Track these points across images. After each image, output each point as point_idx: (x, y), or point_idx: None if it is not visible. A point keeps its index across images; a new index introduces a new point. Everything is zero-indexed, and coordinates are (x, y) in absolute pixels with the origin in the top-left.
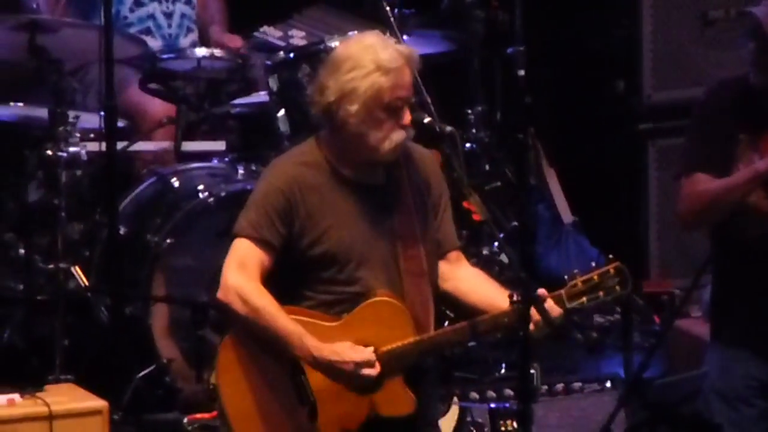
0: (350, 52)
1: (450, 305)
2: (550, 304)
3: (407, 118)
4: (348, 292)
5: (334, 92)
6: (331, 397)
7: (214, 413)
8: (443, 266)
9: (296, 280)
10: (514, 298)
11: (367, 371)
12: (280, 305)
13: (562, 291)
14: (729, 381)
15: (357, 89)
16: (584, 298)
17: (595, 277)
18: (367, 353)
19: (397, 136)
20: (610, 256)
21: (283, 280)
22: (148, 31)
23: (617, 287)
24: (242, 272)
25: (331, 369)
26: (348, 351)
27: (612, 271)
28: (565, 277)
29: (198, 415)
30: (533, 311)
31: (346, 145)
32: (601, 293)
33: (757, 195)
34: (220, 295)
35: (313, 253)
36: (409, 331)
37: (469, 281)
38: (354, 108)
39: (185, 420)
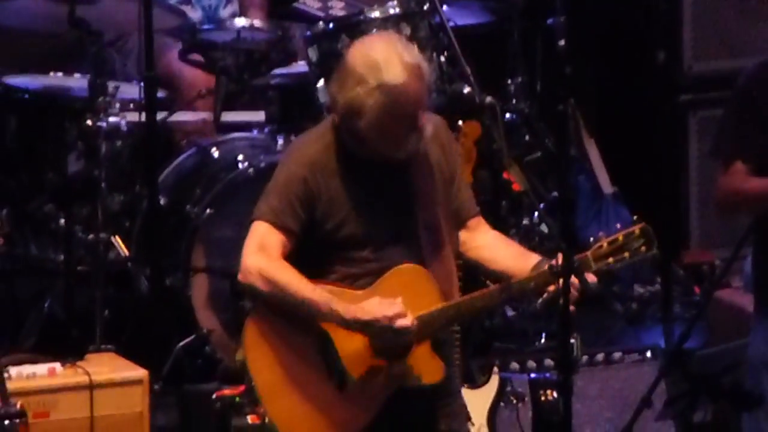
0: (355, 66)
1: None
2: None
3: (421, 121)
4: (372, 267)
5: (342, 107)
6: (359, 367)
7: (241, 388)
8: (464, 234)
9: (320, 258)
10: (555, 269)
11: (401, 322)
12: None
13: (588, 253)
14: None
15: (363, 106)
16: (610, 259)
17: (620, 238)
18: (397, 305)
19: (413, 142)
20: (635, 217)
21: (306, 259)
22: (187, 2)
23: (643, 248)
24: (263, 253)
25: (365, 328)
26: (378, 306)
27: (637, 231)
28: (591, 239)
29: (226, 391)
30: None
31: (361, 143)
32: (626, 254)
33: None
34: (240, 277)
35: (337, 237)
36: (436, 297)
37: (491, 248)
38: (363, 124)
39: (213, 396)
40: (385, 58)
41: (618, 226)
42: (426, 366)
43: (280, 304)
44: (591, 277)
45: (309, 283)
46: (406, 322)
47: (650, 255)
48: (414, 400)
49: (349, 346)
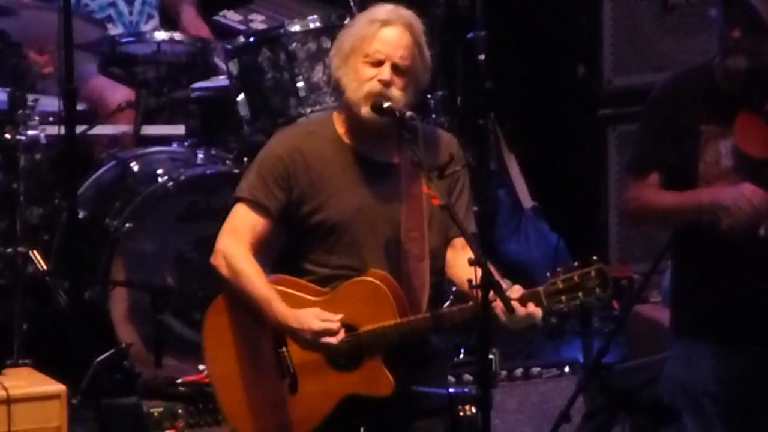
0: (354, 18)
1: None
2: (531, 306)
3: (387, 74)
4: (344, 266)
5: (332, 56)
6: (311, 371)
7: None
8: (449, 253)
9: (297, 249)
10: (473, 283)
11: (326, 339)
12: (263, 272)
13: (540, 288)
14: (694, 375)
15: (345, 43)
16: (563, 297)
17: (576, 278)
18: (330, 323)
19: (372, 86)
20: (594, 257)
21: (288, 252)
22: (109, 19)
23: (597, 289)
24: (233, 236)
25: (295, 335)
26: (310, 319)
27: (593, 273)
28: (547, 274)
29: (192, 377)
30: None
31: (347, 113)
32: (580, 294)
33: (720, 185)
34: (211, 258)
35: (312, 221)
36: (392, 313)
37: (467, 269)
38: (341, 60)
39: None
40: (382, 5)
41: (575, 264)
42: (375, 378)
43: (235, 292)
44: (535, 309)
45: (263, 277)
46: (331, 340)
47: (605, 297)
48: (367, 408)
49: (303, 349)
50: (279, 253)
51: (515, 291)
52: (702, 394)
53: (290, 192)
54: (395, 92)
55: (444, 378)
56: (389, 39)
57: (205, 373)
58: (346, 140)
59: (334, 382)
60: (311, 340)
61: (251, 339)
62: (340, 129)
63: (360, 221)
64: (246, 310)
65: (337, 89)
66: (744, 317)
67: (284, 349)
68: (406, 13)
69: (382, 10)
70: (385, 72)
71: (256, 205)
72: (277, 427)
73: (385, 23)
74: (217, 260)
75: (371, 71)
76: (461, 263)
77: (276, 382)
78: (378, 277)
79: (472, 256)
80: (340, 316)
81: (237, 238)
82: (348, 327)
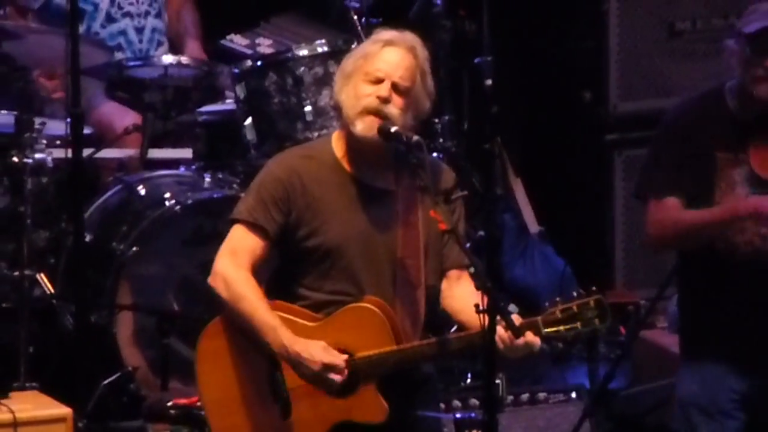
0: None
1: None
2: (530, 335)
3: (385, 90)
4: (338, 291)
5: (336, 78)
6: (304, 396)
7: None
8: (443, 284)
9: (292, 273)
10: (480, 308)
11: (333, 376)
12: (265, 297)
13: (539, 318)
14: (711, 396)
15: (348, 63)
16: (561, 327)
17: (575, 308)
18: (338, 359)
19: (369, 101)
20: (594, 288)
21: (281, 276)
22: (119, 48)
23: (596, 320)
24: (232, 258)
25: (299, 365)
26: (320, 351)
27: (592, 303)
28: (546, 304)
29: (183, 400)
30: (501, 331)
31: (347, 136)
32: (578, 324)
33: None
34: (209, 279)
35: (307, 245)
36: (388, 340)
37: (462, 300)
38: (343, 80)
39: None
40: (386, 30)
41: (574, 294)
42: (369, 405)
43: (234, 316)
44: (533, 338)
45: (265, 302)
46: (336, 377)
47: (603, 328)
48: None
49: (301, 379)
50: (272, 277)
51: (514, 320)
52: (718, 413)
53: (288, 215)
54: (392, 109)
55: (436, 402)
56: (391, 58)
57: (197, 396)
58: (344, 164)
59: (327, 408)
60: (317, 372)
61: (246, 363)
62: (339, 152)
63: (356, 247)
64: (240, 334)
65: (337, 110)
66: (756, 335)
67: (279, 373)
68: (411, 38)
69: (388, 33)
70: (384, 89)
71: (255, 228)
72: None
73: (388, 43)
74: (217, 282)
75: (370, 88)
76: (457, 294)
77: (268, 406)
78: (374, 304)
79: (467, 287)
80: (345, 356)
81: (237, 261)
82: (343, 353)
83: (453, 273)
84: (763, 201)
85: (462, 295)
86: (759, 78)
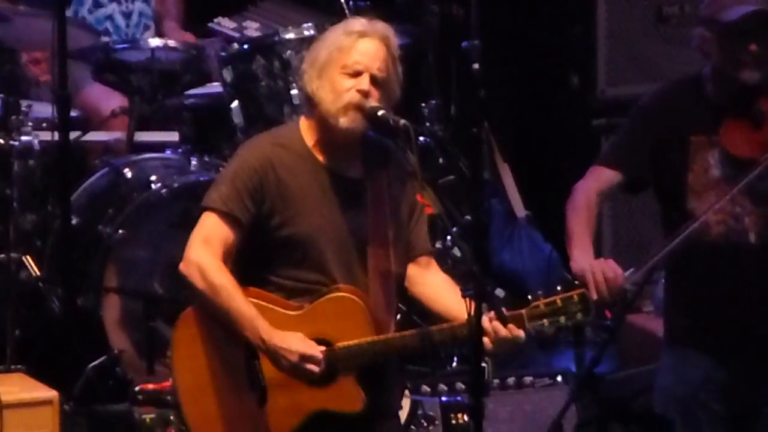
0: (326, 32)
1: (419, 310)
2: (514, 328)
3: (366, 84)
4: (310, 280)
5: (306, 69)
6: (282, 385)
7: (166, 384)
8: (412, 269)
9: (262, 262)
10: (467, 291)
11: (310, 366)
12: (240, 286)
13: (523, 311)
14: (685, 384)
15: (320, 54)
16: (545, 321)
17: (558, 301)
18: (315, 350)
19: (351, 96)
20: (576, 282)
21: (250, 262)
22: (106, 32)
23: (579, 314)
24: (206, 247)
25: (276, 356)
26: (297, 343)
27: (576, 297)
28: (528, 297)
29: (150, 385)
30: (487, 325)
31: (318, 126)
32: (562, 318)
33: (709, 195)
34: (182, 267)
35: (280, 234)
36: (368, 330)
37: (436, 288)
38: (316, 72)
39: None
40: (357, 18)
41: (558, 288)
42: (347, 395)
43: (209, 305)
44: (517, 331)
45: (241, 292)
46: (314, 368)
47: (586, 321)
48: (333, 424)
49: (279, 370)
50: (242, 264)
51: (492, 315)
52: (694, 404)
53: (261, 205)
54: (373, 102)
55: (401, 380)
56: (367, 50)
57: (169, 382)
58: (316, 154)
59: (305, 397)
60: (295, 363)
61: (222, 350)
62: (309, 142)
63: (328, 236)
64: (216, 322)
65: (308, 102)
66: (735, 326)
67: (256, 361)
68: (382, 26)
69: (358, 23)
70: (364, 82)
71: (229, 217)
72: None
73: (362, 35)
74: (190, 270)
75: (349, 82)
76: (429, 281)
77: (245, 394)
78: (353, 293)
79: (438, 274)
80: (323, 348)
81: (211, 250)
82: (323, 342)
83: (422, 259)
84: (603, 266)
85: (434, 282)
86: (745, 63)
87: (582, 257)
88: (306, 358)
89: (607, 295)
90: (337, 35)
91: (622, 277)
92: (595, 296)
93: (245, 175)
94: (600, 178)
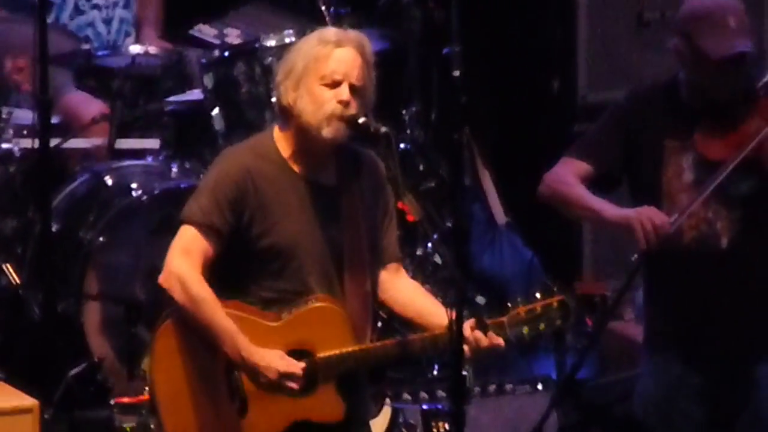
0: (299, 42)
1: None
2: (493, 336)
3: (346, 94)
4: (288, 290)
5: (281, 80)
6: (261, 396)
7: (143, 397)
8: (383, 275)
9: (240, 272)
10: (448, 299)
11: (289, 384)
12: (220, 299)
13: (504, 318)
14: (665, 391)
15: (296, 65)
16: (525, 328)
17: (538, 309)
18: (294, 367)
19: (333, 107)
20: (555, 288)
21: (227, 272)
22: (87, 39)
23: (558, 321)
24: (186, 259)
25: (255, 373)
26: (276, 360)
27: (555, 304)
28: (508, 304)
29: (125, 399)
30: (467, 332)
31: (296, 137)
32: (542, 325)
33: (689, 197)
34: (161, 278)
35: (259, 245)
36: (348, 338)
37: (408, 293)
38: (292, 83)
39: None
40: (330, 28)
41: (538, 295)
42: (327, 405)
43: (189, 317)
44: (497, 339)
45: (221, 307)
46: (293, 386)
47: (566, 327)
48: None
49: (258, 387)
50: (222, 274)
51: (473, 323)
52: (673, 411)
53: (241, 216)
54: (353, 111)
55: (369, 390)
56: (344, 59)
57: (146, 394)
58: (291, 164)
59: (285, 407)
60: (274, 381)
61: (202, 361)
62: (285, 153)
63: (306, 246)
64: (196, 334)
65: (284, 113)
66: (710, 331)
67: (236, 372)
68: (356, 35)
69: (331, 32)
70: (344, 92)
71: (209, 229)
72: None
73: (338, 44)
74: (170, 282)
75: (329, 93)
76: (400, 287)
77: (225, 405)
78: (333, 303)
79: (408, 280)
80: (302, 365)
81: (191, 262)
82: (304, 352)
83: (392, 266)
84: (650, 213)
85: (406, 288)
86: (718, 86)
87: (616, 208)
88: (285, 375)
89: (657, 244)
90: (311, 45)
91: (668, 223)
92: (644, 246)
93: (225, 187)
94: (572, 169)
